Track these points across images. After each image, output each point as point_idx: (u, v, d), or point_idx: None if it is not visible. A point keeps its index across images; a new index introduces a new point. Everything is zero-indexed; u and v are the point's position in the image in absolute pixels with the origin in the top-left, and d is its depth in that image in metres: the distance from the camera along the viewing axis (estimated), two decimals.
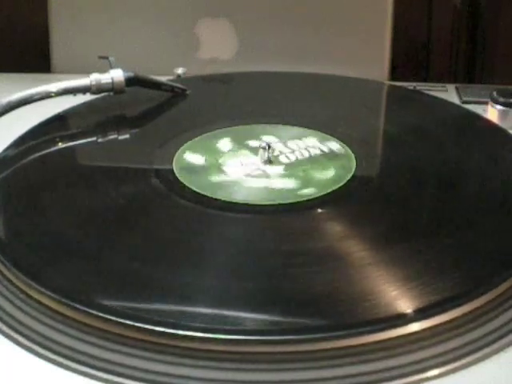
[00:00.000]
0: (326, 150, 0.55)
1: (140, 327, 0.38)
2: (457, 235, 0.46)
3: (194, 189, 0.50)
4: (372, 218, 0.48)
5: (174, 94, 0.64)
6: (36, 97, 0.59)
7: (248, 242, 0.45)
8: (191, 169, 0.53)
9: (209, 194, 0.49)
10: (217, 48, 0.75)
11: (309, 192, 0.50)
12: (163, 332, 0.38)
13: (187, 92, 0.65)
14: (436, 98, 0.65)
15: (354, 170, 0.52)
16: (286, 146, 0.55)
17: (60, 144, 0.57)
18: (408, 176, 0.52)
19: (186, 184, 0.51)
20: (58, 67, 0.76)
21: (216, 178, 0.51)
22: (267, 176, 0.52)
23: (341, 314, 0.39)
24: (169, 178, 0.51)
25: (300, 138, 0.56)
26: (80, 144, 0.58)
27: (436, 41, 0.85)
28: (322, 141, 0.56)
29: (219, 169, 0.53)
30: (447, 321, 0.39)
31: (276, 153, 0.54)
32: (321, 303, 0.40)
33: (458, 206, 0.49)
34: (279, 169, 0.53)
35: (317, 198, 0.49)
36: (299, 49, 0.74)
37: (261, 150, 0.53)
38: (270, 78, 0.68)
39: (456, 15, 0.84)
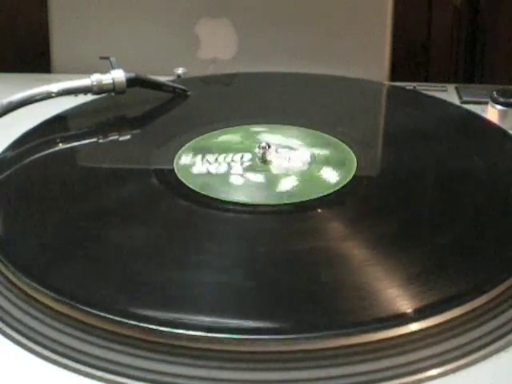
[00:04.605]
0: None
1: (141, 327, 0.38)
2: (456, 235, 0.46)
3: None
4: (372, 219, 0.48)
5: (174, 95, 0.64)
6: (37, 97, 0.59)
7: (248, 242, 0.46)
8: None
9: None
10: (217, 48, 0.75)
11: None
12: (165, 331, 0.38)
13: (188, 93, 0.65)
14: (436, 98, 0.65)
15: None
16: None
17: (61, 144, 0.57)
18: (408, 176, 0.52)
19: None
20: (58, 67, 0.76)
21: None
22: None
23: (340, 313, 0.39)
24: (170, 179, 0.51)
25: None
26: (81, 144, 0.58)
27: (436, 41, 0.85)
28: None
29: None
30: (447, 321, 0.39)
31: (276, 153, 0.54)
32: (321, 303, 0.40)
33: (458, 206, 0.49)
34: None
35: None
36: (299, 49, 0.74)
37: (261, 150, 0.53)
38: (270, 78, 0.69)
39: (456, 15, 0.84)
